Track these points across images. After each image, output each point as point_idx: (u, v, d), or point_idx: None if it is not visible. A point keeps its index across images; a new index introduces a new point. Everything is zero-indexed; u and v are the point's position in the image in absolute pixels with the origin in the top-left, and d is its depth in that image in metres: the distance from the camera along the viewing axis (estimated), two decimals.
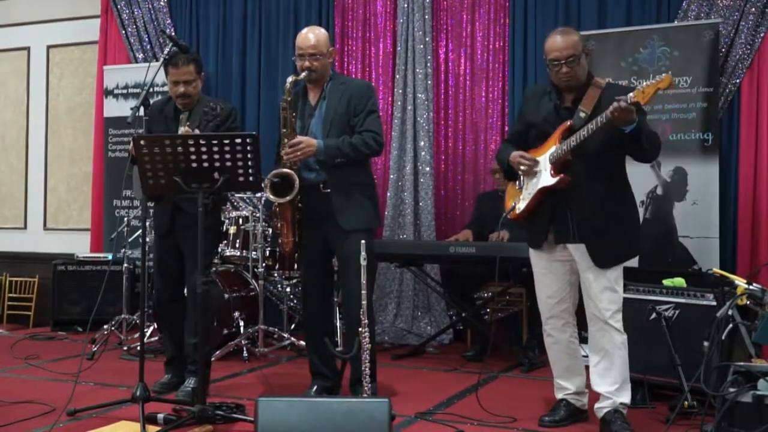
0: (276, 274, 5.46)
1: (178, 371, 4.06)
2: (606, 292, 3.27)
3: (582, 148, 3.21)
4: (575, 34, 3.32)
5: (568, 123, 3.28)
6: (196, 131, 3.76)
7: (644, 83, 3.07)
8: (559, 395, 3.54)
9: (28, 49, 7.28)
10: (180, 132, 3.80)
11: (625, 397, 3.31)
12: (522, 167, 3.38)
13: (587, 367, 3.44)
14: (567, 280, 3.42)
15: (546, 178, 3.31)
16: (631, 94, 3.06)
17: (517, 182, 3.50)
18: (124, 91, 6.62)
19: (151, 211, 4.22)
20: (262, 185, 3.66)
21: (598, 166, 3.27)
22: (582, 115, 3.25)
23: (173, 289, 4.07)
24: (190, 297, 3.90)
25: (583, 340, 3.49)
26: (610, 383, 3.29)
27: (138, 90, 6.44)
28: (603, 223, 3.26)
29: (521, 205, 3.43)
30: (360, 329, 3.31)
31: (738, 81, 5.11)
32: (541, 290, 3.50)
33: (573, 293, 3.45)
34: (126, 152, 3.97)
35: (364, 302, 3.30)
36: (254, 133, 3.47)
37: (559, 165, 3.28)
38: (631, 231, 3.38)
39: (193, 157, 3.31)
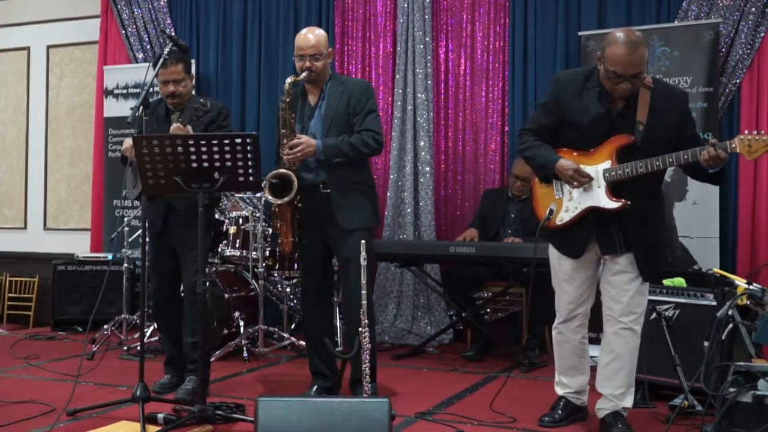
0: (276, 274, 5.46)
1: (177, 371, 4.06)
2: (637, 296, 3.24)
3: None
4: (643, 45, 3.03)
5: (631, 139, 3.11)
6: (189, 128, 3.77)
7: (751, 136, 2.90)
8: (559, 392, 3.52)
9: (28, 49, 7.28)
10: (172, 128, 3.80)
11: (628, 402, 3.29)
12: (575, 183, 3.19)
13: (593, 368, 3.43)
14: (588, 285, 3.37)
15: (604, 199, 3.15)
16: (731, 144, 2.93)
17: (556, 189, 3.32)
18: (124, 91, 6.61)
19: None
20: (262, 186, 3.66)
21: (646, 182, 3.17)
22: (640, 128, 3.09)
23: (169, 288, 4.07)
24: (188, 296, 3.91)
25: (593, 341, 3.48)
26: (616, 387, 3.27)
27: (138, 90, 6.44)
28: (648, 238, 3.23)
29: (564, 216, 3.26)
30: (360, 329, 3.31)
31: (738, 81, 5.11)
32: (561, 296, 3.42)
33: (592, 294, 3.41)
34: None
35: (364, 302, 3.30)
36: (254, 133, 3.48)
37: (614, 185, 3.15)
38: (663, 241, 3.36)
39: (193, 157, 3.31)
